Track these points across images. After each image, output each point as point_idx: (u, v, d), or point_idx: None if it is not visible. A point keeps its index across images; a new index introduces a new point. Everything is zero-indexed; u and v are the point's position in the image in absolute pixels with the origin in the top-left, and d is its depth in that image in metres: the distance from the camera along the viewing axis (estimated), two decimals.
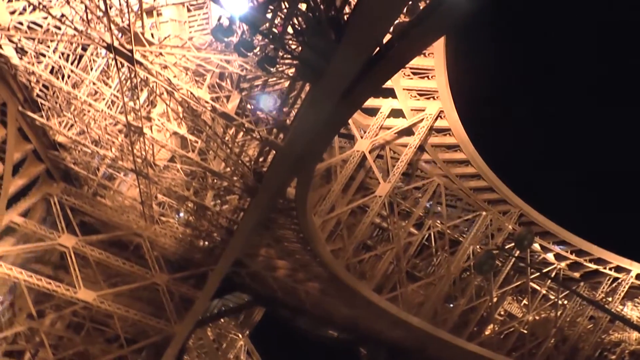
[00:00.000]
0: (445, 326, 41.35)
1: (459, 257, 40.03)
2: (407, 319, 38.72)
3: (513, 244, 40.35)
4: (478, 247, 40.46)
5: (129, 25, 16.50)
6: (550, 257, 43.66)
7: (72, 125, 27.18)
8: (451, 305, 43.43)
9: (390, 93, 31.59)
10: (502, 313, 49.19)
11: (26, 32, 20.54)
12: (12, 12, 19.90)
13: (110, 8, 15.99)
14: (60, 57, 22.90)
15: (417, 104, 31.79)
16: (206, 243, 35.89)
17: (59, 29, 21.39)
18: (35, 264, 33.08)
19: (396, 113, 32.56)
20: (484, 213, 39.23)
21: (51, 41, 21.61)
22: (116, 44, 17.00)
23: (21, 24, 20.66)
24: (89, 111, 25.61)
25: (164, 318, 32.80)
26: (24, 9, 20.41)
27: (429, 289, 40.91)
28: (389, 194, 33.33)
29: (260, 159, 23.92)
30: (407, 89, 31.23)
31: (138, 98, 21.82)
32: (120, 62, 18.22)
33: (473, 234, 39.74)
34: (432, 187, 36.72)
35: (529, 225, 40.61)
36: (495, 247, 38.36)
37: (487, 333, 46.09)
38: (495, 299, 45.08)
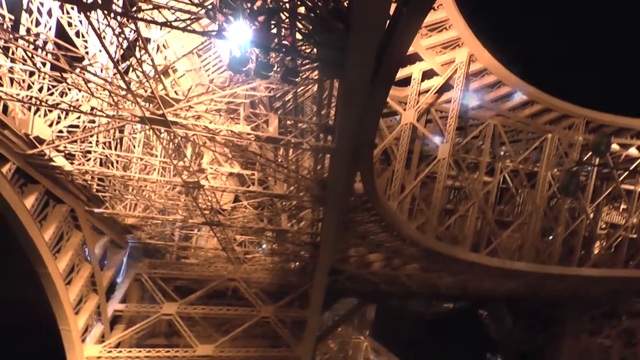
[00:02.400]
0: (552, 260, 40.29)
1: (540, 188, 38.94)
2: (513, 267, 37.99)
3: (591, 154, 39.02)
4: (556, 170, 39.28)
5: (152, 92, 16.90)
6: (633, 152, 41.67)
7: (135, 205, 28.18)
8: (550, 237, 42.24)
9: (416, 57, 31.19)
10: (603, 227, 47.33)
11: (67, 137, 21.41)
12: (50, 125, 20.84)
13: (130, 84, 16.43)
14: (104, 147, 23.81)
15: (446, 57, 31.19)
16: (297, 264, 36.36)
17: (94, 122, 22.22)
18: (150, 338, 34.50)
19: (429, 74, 32.06)
20: (549, 135, 38.06)
21: (91, 136, 22.45)
22: (147, 114, 17.46)
23: (61, 131, 21.62)
24: (145, 186, 26.46)
25: (284, 346, 33.55)
26: (59, 117, 21.33)
27: (522, 230, 39.91)
28: (451, 153, 32.82)
29: (318, 167, 24.01)
30: (430, 47, 30.67)
31: (185, 155, 22.37)
32: (157, 129, 18.71)
33: (546, 160, 38.57)
34: (490, 131, 35.87)
35: (599, 129, 39.08)
36: (574, 164, 37.11)
37: (596, 252, 44.49)
38: (591, 215, 43.58)
